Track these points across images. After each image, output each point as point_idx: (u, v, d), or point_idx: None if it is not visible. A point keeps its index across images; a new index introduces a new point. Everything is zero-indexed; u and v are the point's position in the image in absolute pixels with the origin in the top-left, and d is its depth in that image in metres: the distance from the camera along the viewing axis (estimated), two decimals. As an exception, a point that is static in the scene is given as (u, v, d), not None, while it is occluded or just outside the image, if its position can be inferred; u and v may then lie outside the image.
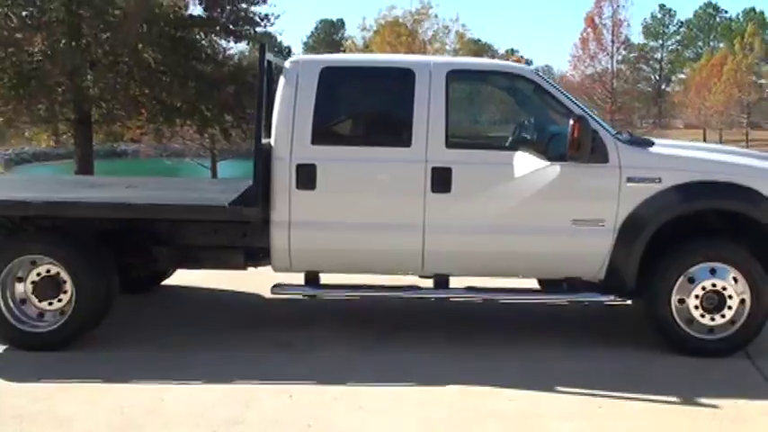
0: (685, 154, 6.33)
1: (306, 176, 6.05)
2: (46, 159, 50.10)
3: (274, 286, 6.30)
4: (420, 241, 6.08)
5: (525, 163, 6.04)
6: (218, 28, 22.56)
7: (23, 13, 19.22)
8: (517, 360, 5.97)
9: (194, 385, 5.35)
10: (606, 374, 5.68)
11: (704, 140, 58.05)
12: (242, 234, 6.40)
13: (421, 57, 7.00)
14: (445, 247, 6.14)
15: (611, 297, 6.21)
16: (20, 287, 6.09)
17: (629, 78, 44.04)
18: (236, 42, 23.90)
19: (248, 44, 25.17)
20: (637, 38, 70.98)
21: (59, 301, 6.08)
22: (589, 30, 38.29)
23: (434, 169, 6.02)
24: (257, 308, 7.40)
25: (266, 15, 24.34)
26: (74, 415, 4.84)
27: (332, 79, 6.20)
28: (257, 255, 6.42)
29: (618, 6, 38.40)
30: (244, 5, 23.32)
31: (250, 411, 4.92)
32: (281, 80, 6.21)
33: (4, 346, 6.08)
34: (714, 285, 6.02)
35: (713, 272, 6.03)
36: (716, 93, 54.67)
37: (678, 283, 6.03)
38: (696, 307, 6.04)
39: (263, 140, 6.13)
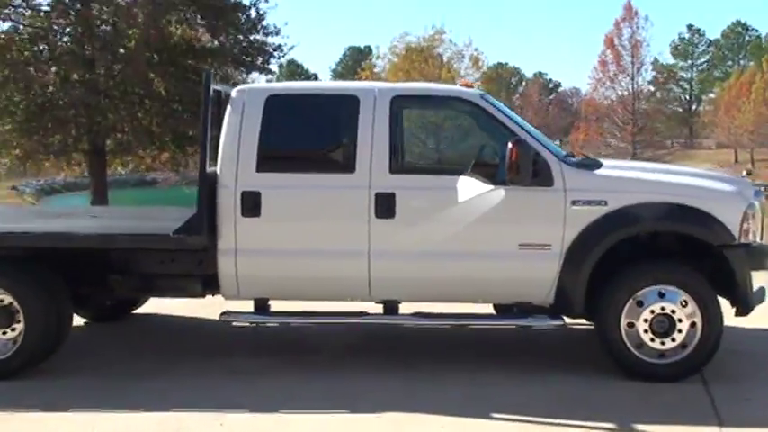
0: (633, 176, 6.26)
1: (251, 204, 6.08)
2: (76, 189, 50.88)
3: (222, 314, 6.33)
4: (366, 267, 6.07)
5: (470, 187, 6.02)
6: (229, 59, 22.79)
7: (35, 48, 19.62)
8: (466, 386, 5.91)
9: (131, 413, 5.37)
10: (552, 399, 5.61)
11: (735, 160, 57.25)
12: (198, 262, 6.41)
13: (367, 83, 7.02)
14: (391, 274, 6.12)
15: (560, 322, 6.15)
16: (-25, 316, 6.19)
17: (655, 99, 43.65)
18: (247, 73, 24.12)
19: (264, 74, 25.38)
20: (666, 58, 70.43)
21: (13, 330, 6.16)
22: (608, 51, 38.16)
23: (378, 195, 6.02)
24: (220, 335, 7.40)
25: (279, 46, 24.61)
26: (2, 445, 4.89)
27: (277, 107, 6.25)
28: (214, 282, 6.44)
29: (638, 27, 38.24)
30: (255, 37, 23.58)
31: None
32: (228, 109, 6.28)
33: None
34: (663, 309, 5.93)
35: (662, 295, 5.94)
36: (745, 112, 53.95)
37: (627, 306, 5.96)
38: (645, 331, 5.95)
39: (210, 169, 6.19)
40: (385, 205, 6.02)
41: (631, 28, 37.97)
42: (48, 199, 49.69)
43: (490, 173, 6.02)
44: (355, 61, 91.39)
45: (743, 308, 6.08)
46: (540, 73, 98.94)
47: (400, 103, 6.26)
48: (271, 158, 6.17)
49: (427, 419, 5.22)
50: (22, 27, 19.97)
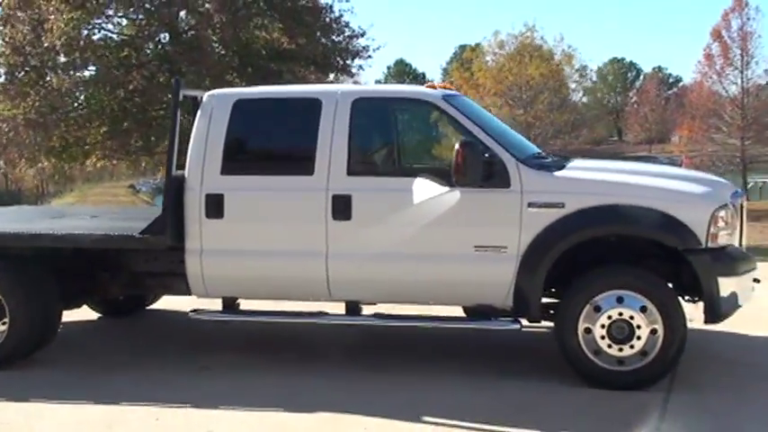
0: (593, 177, 6.04)
1: (214, 206, 6.24)
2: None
3: (192, 311, 6.54)
4: (324, 268, 6.13)
5: (425, 189, 5.96)
6: (309, 62, 23.15)
7: (123, 53, 20.59)
8: (414, 387, 5.89)
9: (80, 405, 5.63)
10: (498, 404, 5.53)
11: None
12: (180, 261, 6.62)
13: (331, 86, 7.05)
14: (348, 275, 6.15)
15: (517, 326, 6.03)
16: (-29, 310, 6.63)
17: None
18: (325, 75, 24.38)
19: (346, 76, 25.67)
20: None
21: (4, 324, 6.55)
22: (715, 44, 36.38)
23: (335, 197, 6.07)
24: (210, 330, 7.55)
25: (364, 47, 24.84)
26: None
27: (244, 111, 6.39)
28: None
29: (748, 19, 36.27)
30: (337, 39, 23.86)
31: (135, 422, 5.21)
32: (198, 113, 6.46)
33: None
34: (621, 314, 5.72)
35: (620, 300, 5.73)
36: None
37: (584, 311, 5.78)
38: (603, 337, 5.75)
39: (179, 172, 6.40)
40: (341, 207, 6.06)
41: (741, 19, 36.12)
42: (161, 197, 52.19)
43: (445, 174, 5.96)
44: (467, 60, 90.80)
45: (710, 315, 5.79)
46: (660, 67, 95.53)
47: (362, 105, 6.25)
48: (235, 162, 6.32)
49: (355, 421, 5.24)
50: (112, 35, 21.03)
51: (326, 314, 6.42)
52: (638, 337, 5.70)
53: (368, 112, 6.32)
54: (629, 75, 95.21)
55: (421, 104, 6.26)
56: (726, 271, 5.72)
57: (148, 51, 20.92)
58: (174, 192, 6.32)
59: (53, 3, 18.80)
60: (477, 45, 52.09)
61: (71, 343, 7.25)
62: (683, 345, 5.73)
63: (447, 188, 5.92)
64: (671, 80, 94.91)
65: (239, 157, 6.37)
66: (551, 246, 5.80)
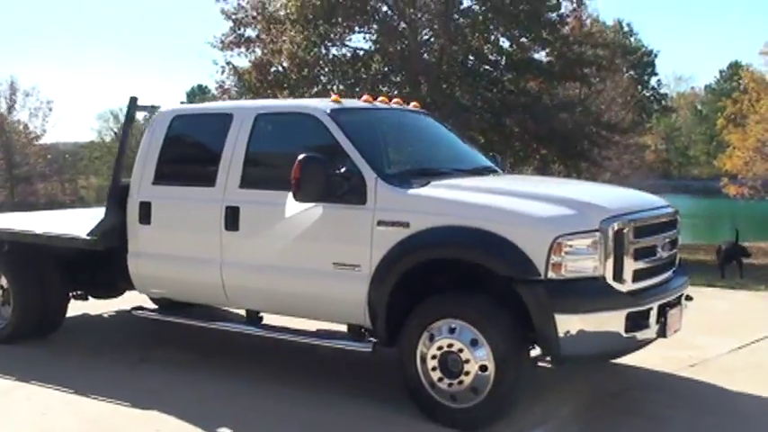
0: (437, 195, 5.56)
1: (145, 212, 6.86)
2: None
3: (133, 308, 7.23)
4: (219, 276, 6.44)
5: (294, 203, 5.99)
6: (546, 72, 22.67)
7: (350, 69, 21.92)
8: (255, 398, 6.02)
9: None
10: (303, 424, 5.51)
11: None
12: None
13: (249, 102, 7.18)
14: (237, 283, 6.40)
15: (368, 348, 5.81)
16: (-3, 295, 7.96)
17: None
18: (558, 85, 23.67)
19: (585, 87, 24.79)
20: None
21: (6, 307, 7.76)
22: None
23: (227, 208, 6.35)
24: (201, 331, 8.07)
25: (603, 57, 23.87)
26: None
27: (178, 126, 6.95)
28: None
29: None
30: (578, 48, 23.10)
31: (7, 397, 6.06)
32: (147, 127, 7.12)
33: None
34: (450, 346, 5.30)
35: (453, 330, 5.30)
36: None
37: (422, 338, 5.44)
38: (434, 368, 5.37)
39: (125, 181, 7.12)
40: (231, 218, 6.33)
41: None
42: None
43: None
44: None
45: (548, 355, 5.13)
46: None
47: (262, 120, 6.46)
48: (163, 172, 6.86)
49: (156, 419, 5.56)
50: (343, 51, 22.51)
51: (229, 321, 6.75)
52: (467, 373, 5.23)
53: (266, 126, 6.50)
54: None
55: (307, 118, 6.24)
56: (566, 307, 5.01)
57: (375, 64, 21.98)
58: (116, 198, 7.03)
59: (286, 26, 20.65)
60: None
61: (78, 329, 8.31)
62: (515, 386, 5.15)
63: (312, 204, 5.89)
64: None
65: (167, 168, 6.88)
66: (393, 267, 5.54)
